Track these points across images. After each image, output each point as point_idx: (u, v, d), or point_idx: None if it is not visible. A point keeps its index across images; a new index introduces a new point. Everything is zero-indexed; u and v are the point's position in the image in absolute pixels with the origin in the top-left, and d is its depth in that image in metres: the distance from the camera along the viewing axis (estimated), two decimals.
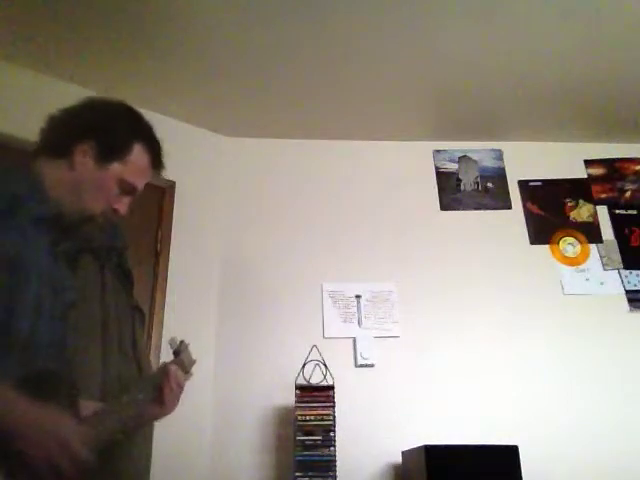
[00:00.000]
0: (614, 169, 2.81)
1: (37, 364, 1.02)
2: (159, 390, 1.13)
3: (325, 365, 2.23)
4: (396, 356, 2.38)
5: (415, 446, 1.96)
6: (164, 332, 2.24)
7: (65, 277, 1.16)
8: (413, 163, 2.78)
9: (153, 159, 1.26)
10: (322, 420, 2.06)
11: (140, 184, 1.25)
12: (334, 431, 2.05)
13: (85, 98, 1.25)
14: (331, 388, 2.12)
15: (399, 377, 2.34)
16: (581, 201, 2.73)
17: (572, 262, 2.60)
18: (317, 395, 2.11)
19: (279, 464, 2.18)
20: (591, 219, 2.70)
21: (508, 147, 2.82)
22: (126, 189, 1.23)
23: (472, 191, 2.74)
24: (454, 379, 2.35)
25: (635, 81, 2.44)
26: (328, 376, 2.20)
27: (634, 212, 2.72)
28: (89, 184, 1.18)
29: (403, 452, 2.13)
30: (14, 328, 1.00)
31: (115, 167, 1.20)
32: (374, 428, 2.25)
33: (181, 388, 1.18)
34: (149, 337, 2.20)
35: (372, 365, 2.36)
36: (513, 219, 2.68)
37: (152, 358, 2.14)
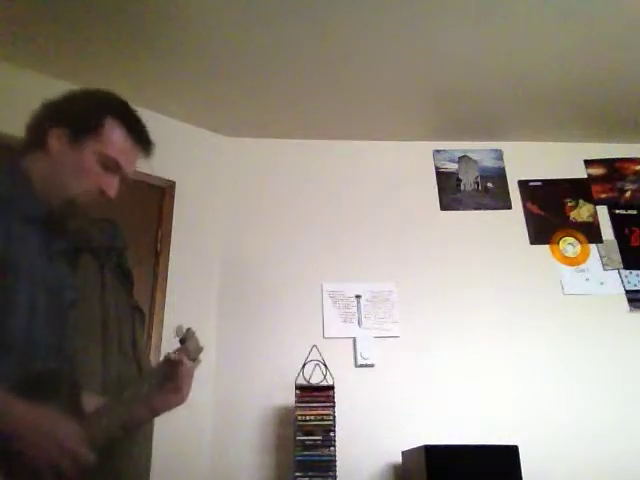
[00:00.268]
0: (614, 169, 2.81)
1: (35, 364, 1.02)
2: (174, 377, 1.12)
3: (325, 365, 2.23)
4: (396, 356, 2.38)
5: (415, 446, 1.96)
6: (164, 332, 2.24)
7: (64, 276, 1.15)
8: (413, 163, 2.78)
9: (130, 131, 1.23)
10: (322, 420, 2.06)
11: (122, 159, 1.21)
12: (334, 431, 2.05)
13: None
14: (331, 388, 2.12)
15: (399, 377, 2.34)
16: (581, 201, 2.73)
17: (572, 262, 2.60)
18: (317, 395, 2.11)
19: (279, 464, 2.18)
20: (591, 219, 2.70)
21: (508, 147, 2.82)
22: (108, 165, 1.19)
23: (472, 191, 2.74)
24: (454, 379, 2.35)
25: (635, 81, 2.44)
26: (328, 376, 2.20)
27: (634, 212, 2.72)
28: (68, 166, 1.16)
29: (403, 452, 2.13)
30: (8, 328, 1.00)
31: (89, 143, 1.17)
32: (374, 428, 2.25)
33: (190, 375, 1.18)
34: (149, 337, 2.20)
35: (372, 365, 2.36)
36: (513, 219, 2.68)
37: (152, 358, 2.14)
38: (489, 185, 2.75)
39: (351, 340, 2.40)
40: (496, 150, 2.82)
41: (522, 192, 2.74)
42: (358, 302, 2.47)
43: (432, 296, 2.49)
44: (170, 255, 2.38)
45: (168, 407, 1.16)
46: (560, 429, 2.26)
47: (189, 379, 1.15)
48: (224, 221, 2.59)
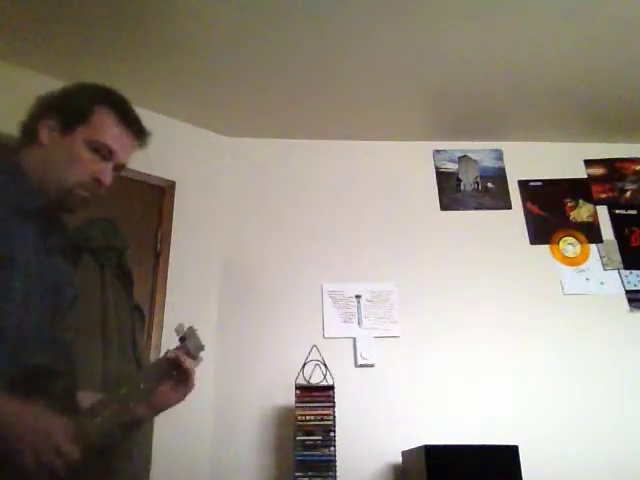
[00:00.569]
0: (614, 169, 2.81)
1: (29, 359, 1.02)
2: (173, 375, 1.12)
3: (325, 365, 2.23)
4: (396, 356, 2.38)
5: (415, 446, 1.96)
6: (164, 332, 2.24)
7: (63, 272, 1.15)
8: (413, 163, 2.78)
9: (121, 119, 1.22)
10: (322, 420, 2.06)
11: (115, 145, 1.20)
12: (334, 431, 2.05)
13: None
14: (331, 388, 2.12)
15: (399, 377, 2.34)
16: (581, 201, 2.73)
17: (572, 262, 2.60)
18: (317, 395, 2.11)
19: (279, 464, 2.18)
20: (591, 219, 2.70)
21: (508, 147, 2.82)
22: (100, 151, 1.18)
23: (472, 191, 2.74)
24: (454, 379, 2.35)
25: (635, 81, 2.44)
26: (328, 376, 2.20)
27: (634, 212, 2.72)
28: (60, 155, 1.15)
29: (403, 452, 2.13)
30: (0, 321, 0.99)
31: (80, 130, 1.17)
32: (374, 428, 2.25)
33: (191, 373, 1.17)
34: (149, 337, 2.20)
35: (372, 365, 2.36)
36: (513, 219, 2.68)
37: (152, 358, 2.14)
38: (489, 185, 2.75)
39: (351, 340, 2.40)
40: (496, 150, 2.82)
41: (522, 192, 2.74)
42: (358, 302, 2.47)
43: (432, 296, 2.49)
44: (170, 255, 2.38)
45: (168, 404, 1.16)
46: (560, 429, 2.26)
47: (190, 377, 1.15)
48: (224, 221, 2.59)
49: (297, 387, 2.12)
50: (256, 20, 2.08)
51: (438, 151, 2.82)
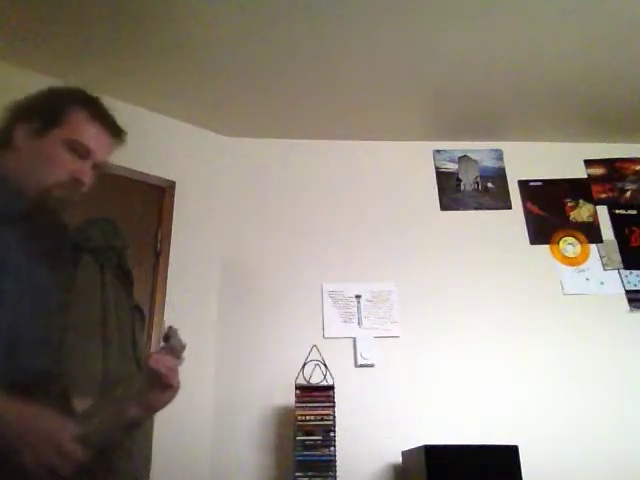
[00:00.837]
0: (614, 169, 2.81)
1: (23, 363, 1.01)
2: (157, 376, 1.12)
3: (325, 365, 2.23)
4: (396, 356, 2.38)
5: (415, 446, 1.96)
6: (164, 332, 2.24)
7: (51, 276, 1.14)
8: (413, 163, 2.78)
9: (96, 117, 1.22)
10: (322, 420, 2.06)
11: (92, 144, 1.20)
12: (334, 431, 2.05)
13: None
14: (331, 388, 2.12)
15: (399, 377, 2.34)
16: (581, 201, 2.73)
17: (572, 262, 2.60)
18: (317, 395, 2.11)
19: (279, 464, 2.18)
20: (591, 219, 2.70)
21: (508, 147, 2.82)
22: (77, 150, 1.18)
23: (472, 191, 2.74)
24: (454, 379, 2.35)
25: (635, 81, 2.44)
26: (328, 376, 2.20)
27: (634, 212, 2.72)
28: (36, 157, 1.15)
29: (403, 452, 2.13)
30: None
31: (55, 132, 1.17)
32: (374, 428, 2.25)
33: (174, 371, 1.16)
34: (149, 337, 2.20)
35: (372, 365, 2.36)
36: (513, 219, 2.68)
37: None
38: (489, 185, 2.75)
39: (351, 340, 2.40)
40: (496, 150, 2.82)
41: (522, 192, 2.74)
42: (358, 302, 2.47)
43: (432, 296, 2.49)
44: (170, 255, 2.38)
45: (161, 404, 1.15)
46: (560, 429, 2.26)
47: (175, 375, 1.14)
48: (224, 221, 2.59)
49: (297, 387, 2.13)
50: (256, 20, 2.08)
51: (438, 151, 2.82)
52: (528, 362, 2.38)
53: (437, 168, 2.79)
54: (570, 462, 2.20)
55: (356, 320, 2.44)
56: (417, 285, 2.51)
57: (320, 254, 2.55)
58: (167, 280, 2.34)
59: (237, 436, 2.23)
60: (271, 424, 2.25)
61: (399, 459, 2.16)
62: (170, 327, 1.18)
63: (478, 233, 2.63)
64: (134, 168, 2.40)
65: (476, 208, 2.70)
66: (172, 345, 1.15)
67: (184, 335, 2.35)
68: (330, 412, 2.07)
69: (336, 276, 2.51)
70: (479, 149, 2.82)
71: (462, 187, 2.75)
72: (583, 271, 2.58)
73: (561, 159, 2.80)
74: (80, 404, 1.03)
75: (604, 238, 2.65)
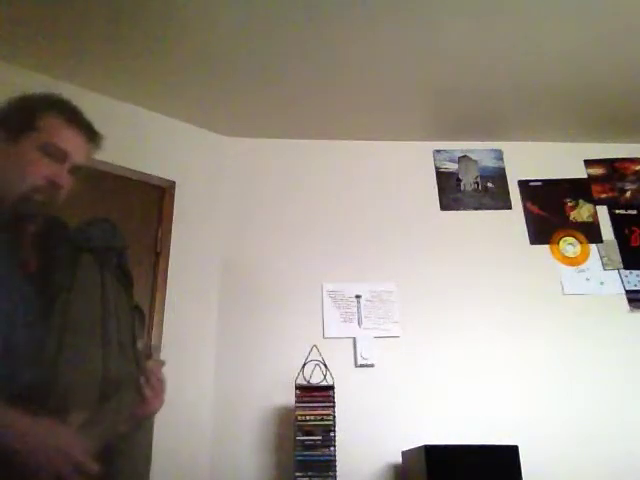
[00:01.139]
0: (614, 169, 2.81)
1: (19, 378, 1.01)
2: (142, 388, 1.12)
3: (325, 365, 2.23)
4: (396, 356, 2.38)
5: (415, 446, 1.96)
6: (164, 332, 2.24)
7: (33, 285, 1.12)
8: (413, 163, 2.78)
9: (69, 120, 1.20)
10: (322, 420, 2.06)
11: (67, 146, 1.18)
12: (334, 431, 2.05)
13: None
14: (331, 388, 2.12)
15: (399, 377, 2.34)
16: (581, 201, 2.73)
17: (572, 262, 2.60)
18: (317, 395, 2.11)
19: (279, 464, 2.18)
20: (591, 219, 2.70)
21: (508, 147, 2.82)
22: (54, 153, 1.16)
23: (472, 191, 2.74)
24: (454, 379, 2.35)
25: (635, 81, 2.44)
26: (328, 376, 2.20)
27: (634, 212, 2.72)
28: (10, 163, 1.13)
29: (403, 452, 2.13)
30: None
31: (29, 136, 1.15)
32: (374, 428, 2.25)
33: (163, 383, 1.17)
34: (149, 337, 2.20)
35: (372, 365, 2.36)
36: (513, 219, 2.68)
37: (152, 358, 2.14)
38: (489, 185, 2.75)
39: (351, 340, 2.40)
40: (496, 150, 2.82)
41: (522, 192, 2.74)
42: (358, 302, 2.47)
43: (432, 296, 2.49)
44: (170, 255, 2.38)
45: (149, 414, 1.16)
46: (560, 429, 2.26)
47: (160, 388, 1.15)
48: (224, 221, 2.59)
49: (297, 387, 2.13)
50: (256, 20, 2.08)
51: (438, 151, 2.82)
52: (528, 362, 2.38)
53: (437, 168, 2.79)
54: (570, 462, 2.20)
55: (356, 320, 2.44)
56: (417, 285, 2.51)
57: (320, 254, 2.55)
58: (167, 280, 2.34)
59: (237, 436, 2.23)
60: (271, 424, 2.25)
61: (399, 459, 2.16)
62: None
63: (478, 233, 2.63)
64: (134, 168, 2.40)
65: (476, 208, 2.70)
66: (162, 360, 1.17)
67: (184, 335, 2.36)
68: (330, 412, 2.07)
69: (336, 276, 2.51)
70: (479, 149, 2.82)
71: (462, 187, 2.75)
72: (583, 271, 2.58)
73: (561, 159, 2.80)
74: (74, 419, 1.02)
75: (604, 238, 2.65)
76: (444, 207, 2.70)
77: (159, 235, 2.41)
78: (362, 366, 2.36)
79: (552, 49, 2.25)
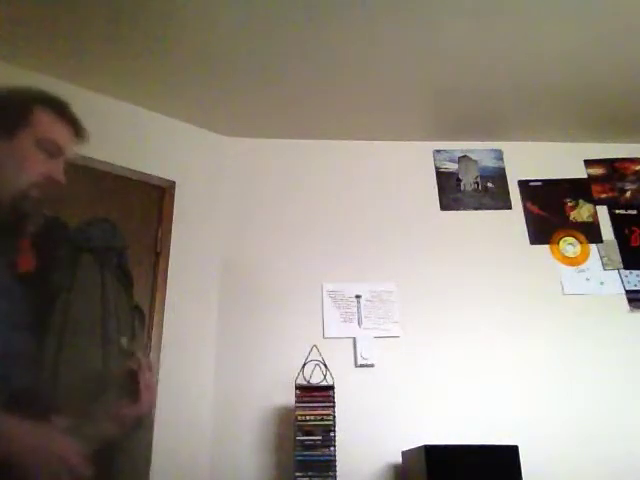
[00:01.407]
0: (614, 169, 2.81)
1: (11, 382, 1.00)
2: (135, 388, 1.12)
3: (325, 365, 2.23)
4: (396, 356, 2.38)
5: (415, 446, 1.96)
6: (164, 332, 2.24)
7: (28, 290, 1.11)
8: (413, 163, 2.78)
9: (59, 114, 1.19)
10: (322, 420, 2.06)
11: (62, 141, 1.16)
12: (334, 431, 2.05)
13: None
14: (331, 388, 2.12)
15: (399, 377, 2.34)
16: (581, 201, 2.73)
17: (572, 262, 2.60)
18: (317, 395, 2.11)
19: (279, 464, 2.18)
20: (591, 219, 2.70)
21: (508, 147, 2.82)
22: (49, 149, 1.14)
23: (472, 191, 2.74)
24: (454, 379, 2.35)
25: (635, 81, 2.44)
26: (328, 376, 2.20)
27: (634, 212, 2.72)
28: (7, 160, 1.11)
29: (403, 452, 2.13)
30: None
31: (25, 131, 1.13)
32: (374, 428, 2.25)
33: (152, 384, 1.17)
34: (149, 337, 2.20)
35: (372, 365, 2.36)
36: (513, 219, 2.68)
37: (152, 358, 2.14)
38: (489, 185, 2.75)
39: (351, 340, 2.40)
40: (496, 150, 2.82)
41: (522, 192, 2.74)
42: (358, 302, 2.47)
43: (432, 296, 2.49)
44: (170, 255, 2.38)
45: (139, 415, 1.15)
46: (560, 429, 2.26)
47: (152, 389, 1.14)
48: (224, 221, 2.59)
49: (297, 387, 2.12)
50: (256, 20, 2.08)
51: (438, 151, 2.82)
52: (528, 362, 2.38)
53: (437, 168, 2.79)
54: (570, 462, 2.20)
55: (356, 320, 2.44)
56: (417, 285, 2.51)
57: (320, 254, 2.55)
58: (167, 280, 2.34)
59: (237, 436, 2.23)
60: (271, 424, 2.25)
61: (399, 459, 2.16)
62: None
63: (478, 233, 2.63)
64: (134, 168, 2.40)
65: (476, 208, 2.70)
66: (149, 361, 1.16)
67: (184, 335, 2.36)
68: (330, 412, 2.07)
69: (336, 276, 2.51)
70: (479, 149, 2.82)
71: (462, 187, 2.75)
72: (583, 271, 2.58)
73: (561, 159, 2.80)
74: (63, 419, 1.02)
75: (604, 238, 2.65)
76: (444, 207, 2.70)
77: (159, 235, 2.41)
78: (362, 366, 2.36)
79: (552, 49, 2.25)
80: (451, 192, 2.73)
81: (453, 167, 2.79)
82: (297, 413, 2.07)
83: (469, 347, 2.40)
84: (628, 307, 2.51)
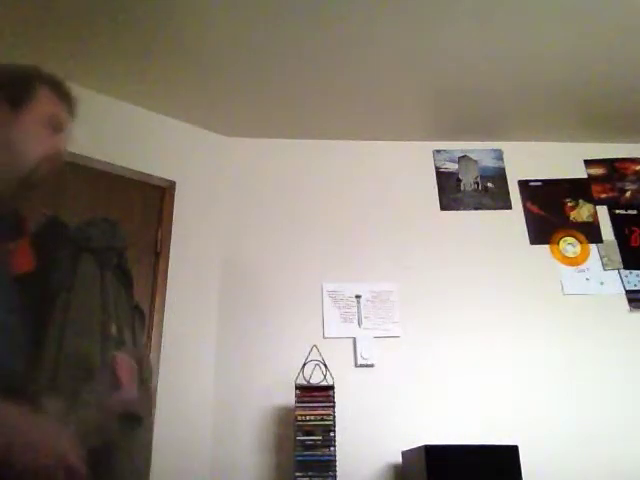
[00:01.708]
0: (614, 169, 2.81)
1: (7, 362, 1.00)
2: (120, 376, 1.11)
3: (325, 365, 2.23)
4: (396, 356, 2.38)
5: (415, 446, 1.96)
6: (164, 332, 2.24)
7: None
8: (413, 163, 2.78)
9: (58, 90, 1.19)
10: (322, 420, 2.06)
11: (62, 117, 1.18)
12: (334, 431, 2.05)
13: None
14: (331, 388, 2.12)
15: (399, 377, 2.34)
16: (581, 201, 2.73)
17: (572, 262, 2.60)
18: (317, 395, 2.11)
19: (279, 464, 2.18)
20: (591, 219, 2.70)
21: (508, 147, 2.82)
22: (54, 124, 1.15)
23: (472, 191, 2.74)
24: (454, 379, 2.35)
25: (635, 81, 2.44)
26: (328, 376, 2.20)
27: (634, 212, 2.72)
28: (18, 134, 1.11)
29: (403, 452, 2.13)
30: None
31: (32, 106, 1.13)
32: (374, 428, 2.25)
33: (134, 373, 1.16)
34: (149, 337, 2.20)
35: (372, 365, 2.36)
36: (513, 219, 2.68)
37: (152, 358, 2.14)
38: (489, 185, 2.75)
39: (351, 340, 2.40)
40: (496, 150, 2.82)
41: (522, 192, 2.74)
42: (358, 302, 2.47)
43: (432, 296, 2.49)
44: (170, 255, 2.38)
45: (122, 406, 1.14)
46: (560, 429, 2.26)
47: (131, 376, 1.13)
48: (224, 221, 2.59)
49: (297, 387, 2.12)
50: (256, 20, 2.08)
51: (438, 151, 2.82)
52: (528, 362, 2.38)
53: (437, 168, 2.79)
54: (570, 462, 2.20)
55: (356, 320, 2.44)
56: (417, 285, 2.51)
57: (320, 254, 2.55)
58: (167, 280, 2.34)
59: (237, 436, 2.23)
60: (271, 424, 2.25)
61: (399, 459, 2.16)
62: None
63: (478, 233, 2.63)
64: (134, 168, 2.40)
65: (476, 208, 2.70)
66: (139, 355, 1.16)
67: (184, 335, 2.36)
68: (330, 412, 2.07)
69: (336, 276, 2.51)
70: (479, 149, 2.82)
71: (462, 187, 2.75)
72: (583, 271, 2.58)
73: (561, 159, 2.80)
74: (45, 404, 1.00)
75: (604, 238, 2.65)
76: (444, 207, 2.70)
77: (159, 235, 2.41)
78: (362, 366, 2.36)
79: (552, 49, 2.25)
80: (451, 192, 2.73)
81: (453, 167, 2.79)
82: (297, 413, 2.07)
83: (469, 347, 2.40)
84: (628, 307, 2.51)
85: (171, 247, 2.40)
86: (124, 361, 1.13)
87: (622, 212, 2.72)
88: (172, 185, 2.51)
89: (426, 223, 2.65)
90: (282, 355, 2.33)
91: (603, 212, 2.71)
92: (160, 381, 2.14)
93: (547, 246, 2.63)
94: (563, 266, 2.59)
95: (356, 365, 2.36)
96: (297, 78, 2.39)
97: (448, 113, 2.67)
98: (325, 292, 2.48)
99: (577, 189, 2.76)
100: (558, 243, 2.64)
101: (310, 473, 1.99)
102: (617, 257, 2.60)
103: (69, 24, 2.06)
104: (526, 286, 2.52)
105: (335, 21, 2.09)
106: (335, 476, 1.99)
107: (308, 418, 2.06)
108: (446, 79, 2.42)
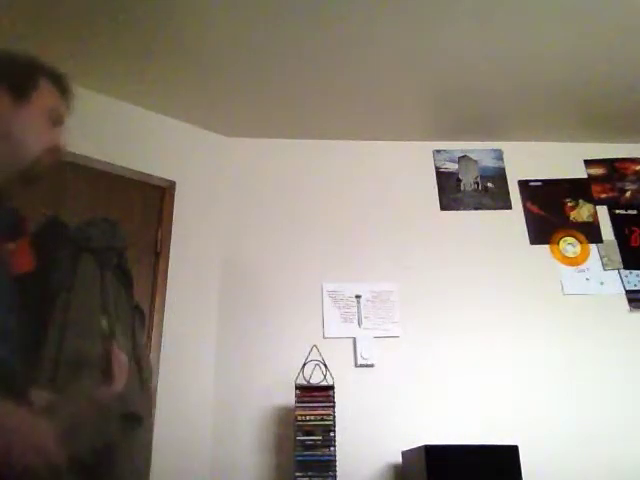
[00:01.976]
0: (614, 169, 2.81)
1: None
2: (107, 369, 1.12)
3: (325, 365, 2.23)
4: (396, 356, 2.38)
5: (415, 446, 1.96)
6: (164, 332, 2.24)
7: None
8: (413, 163, 2.78)
9: (59, 81, 1.19)
10: (322, 420, 2.06)
11: (62, 110, 1.17)
12: (334, 431, 2.05)
13: None
14: (331, 388, 2.12)
15: (399, 377, 2.34)
16: (581, 201, 2.73)
17: (572, 262, 2.60)
18: (317, 395, 2.11)
19: (279, 464, 2.18)
20: (591, 219, 2.70)
21: (508, 147, 2.82)
22: (55, 117, 1.15)
23: (472, 191, 2.74)
24: (454, 379, 2.35)
25: (635, 81, 2.44)
26: (328, 376, 2.20)
27: (634, 212, 2.72)
28: (23, 125, 1.10)
29: (403, 452, 2.13)
30: None
31: (35, 98, 1.12)
32: (374, 428, 2.25)
33: (125, 366, 1.17)
34: (149, 337, 2.20)
35: (372, 365, 2.36)
36: (513, 219, 2.68)
37: (152, 358, 2.14)
38: (489, 185, 2.75)
39: (351, 340, 2.40)
40: (496, 150, 2.82)
41: (522, 192, 2.74)
42: (358, 302, 2.47)
43: (432, 296, 2.49)
44: (170, 255, 2.38)
45: (108, 398, 1.14)
46: (560, 429, 2.26)
47: (124, 369, 1.14)
48: (224, 221, 2.59)
49: (297, 387, 2.12)
50: (256, 20, 2.08)
51: (438, 151, 2.82)
52: (528, 362, 2.38)
53: (437, 168, 2.79)
54: (570, 462, 2.20)
55: (356, 320, 2.44)
56: (417, 285, 2.51)
57: (320, 254, 2.55)
58: (167, 280, 2.34)
59: (237, 436, 2.23)
60: (271, 424, 2.25)
61: (399, 459, 2.16)
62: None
63: (478, 233, 2.63)
64: (134, 168, 2.40)
65: (476, 208, 2.70)
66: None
67: (184, 335, 2.37)
68: (330, 412, 2.07)
69: (336, 276, 2.51)
70: (479, 149, 2.82)
71: (462, 187, 2.75)
72: (583, 271, 2.58)
73: (561, 159, 2.80)
74: (35, 396, 1.00)
75: (604, 238, 2.65)
76: (444, 207, 2.70)
77: (159, 235, 2.41)
78: (362, 366, 2.36)
79: (552, 49, 2.25)
80: (451, 192, 2.73)
81: (453, 167, 2.79)
82: (297, 413, 2.07)
83: (469, 347, 2.40)
84: (628, 307, 2.51)
85: (171, 247, 2.40)
86: (120, 355, 1.13)
87: (622, 212, 2.72)
88: (172, 185, 2.51)
89: (426, 223, 2.65)
90: (282, 355, 2.33)
91: (603, 212, 2.71)
92: (160, 381, 2.14)
93: (547, 246, 2.63)
94: (563, 266, 2.59)
95: (356, 365, 2.36)
96: (297, 78, 2.39)
97: (448, 113, 2.67)
98: (325, 292, 2.48)
99: (577, 189, 2.76)
100: (558, 243, 2.64)
101: (310, 473, 1.99)
102: (617, 257, 2.60)
103: (69, 24, 2.06)
104: (526, 286, 2.52)
105: (335, 21, 2.09)
106: (335, 476, 1.99)
107: (308, 418, 2.06)
108: (446, 79, 2.42)
